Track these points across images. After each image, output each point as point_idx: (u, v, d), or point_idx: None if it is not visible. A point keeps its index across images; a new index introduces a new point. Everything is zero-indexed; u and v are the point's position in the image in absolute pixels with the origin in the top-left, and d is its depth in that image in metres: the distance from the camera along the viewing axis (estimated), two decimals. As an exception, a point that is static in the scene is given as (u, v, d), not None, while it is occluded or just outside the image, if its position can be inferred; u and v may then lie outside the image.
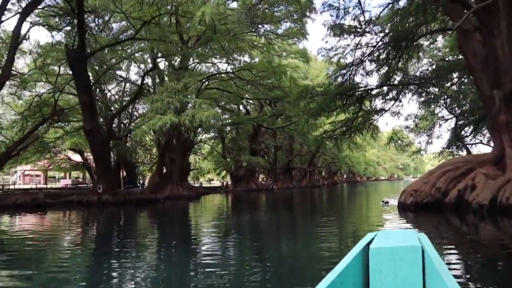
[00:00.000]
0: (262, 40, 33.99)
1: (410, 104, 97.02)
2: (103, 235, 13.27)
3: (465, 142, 29.81)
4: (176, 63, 27.67)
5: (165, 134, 27.90)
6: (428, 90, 26.58)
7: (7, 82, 33.77)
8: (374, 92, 25.95)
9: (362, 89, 24.54)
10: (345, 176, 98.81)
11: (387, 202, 18.08)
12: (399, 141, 44.89)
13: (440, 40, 31.33)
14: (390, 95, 27.27)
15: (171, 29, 19.70)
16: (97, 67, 29.13)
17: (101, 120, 31.92)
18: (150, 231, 14.20)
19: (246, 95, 38.43)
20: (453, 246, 8.84)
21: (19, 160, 38.56)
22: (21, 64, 35.44)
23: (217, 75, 34.26)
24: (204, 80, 31.08)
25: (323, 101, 24.04)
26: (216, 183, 66.69)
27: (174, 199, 31.61)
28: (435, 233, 10.78)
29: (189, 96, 21.66)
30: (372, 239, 1.97)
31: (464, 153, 38.08)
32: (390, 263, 1.72)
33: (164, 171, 34.83)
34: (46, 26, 27.71)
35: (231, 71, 31.04)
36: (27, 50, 31.84)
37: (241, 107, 48.43)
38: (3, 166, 31.51)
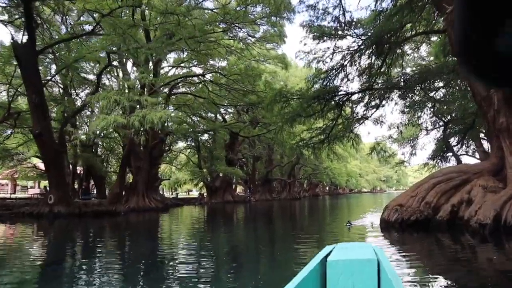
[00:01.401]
0: (240, 45, 32.14)
1: (393, 114, 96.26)
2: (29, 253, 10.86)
3: (455, 152, 27.95)
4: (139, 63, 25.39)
5: (126, 140, 25.46)
6: (413, 95, 24.65)
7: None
8: (355, 97, 23.99)
9: (342, 93, 22.51)
10: (327, 188, 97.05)
11: (350, 223, 15.12)
12: (382, 152, 43.16)
13: (424, 48, 29.83)
14: (373, 102, 25.34)
15: (128, 21, 17.37)
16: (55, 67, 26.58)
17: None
18: (92, 248, 11.90)
19: (221, 102, 36.13)
20: (453, 278, 6.61)
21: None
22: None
23: (188, 78, 31.94)
24: (172, 83, 28.84)
25: (299, 105, 21.92)
26: (195, 194, 64.13)
27: (139, 211, 29.16)
28: (426, 258, 8.61)
29: (140, 95, 19.20)
30: (330, 251, 1.96)
31: (450, 165, 36.45)
32: (347, 276, 1.74)
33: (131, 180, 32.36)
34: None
35: (202, 73, 28.79)
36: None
37: (218, 115, 46.33)
38: None
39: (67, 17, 23.89)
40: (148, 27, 21.57)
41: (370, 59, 22.36)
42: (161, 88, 33.40)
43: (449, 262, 8.37)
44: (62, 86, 34.87)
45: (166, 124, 18.38)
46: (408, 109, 27.96)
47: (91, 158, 32.10)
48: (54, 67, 29.10)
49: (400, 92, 23.61)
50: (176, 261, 9.37)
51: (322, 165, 60.01)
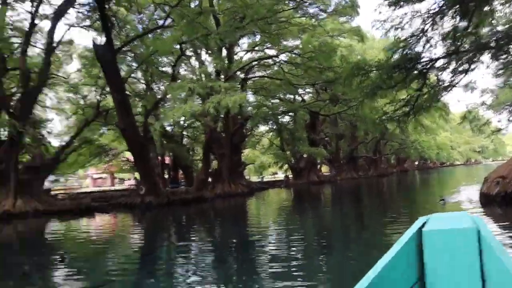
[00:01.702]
0: (312, 21, 31.17)
1: (485, 78, 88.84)
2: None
3: None
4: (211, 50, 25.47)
5: (207, 128, 25.91)
6: (507, 54, 22.10)
7: (57, 87, 33.69)
8: (440, 63, 22.05)
9: (425, 60, 20.81)
10: (416, 162, 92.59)
11: (443, 200, 13.41)
12: (475, 121, 39.93)
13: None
14: (460, 67, 23.19)
15: (195, 10, 17.33)
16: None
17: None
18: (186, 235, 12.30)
19: (298, 82, 35.39)
20: None
21: (75, 164, 38.76)
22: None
23: (262, 61, 31.61)
24: (247, 67, 28.71)
25: (379, 77, 20.61)
26: (281, 176, 64.38)
27: (225, 197, 29.70)
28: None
29: (214, 81, 19.16)
30: (425, 222, 1.86)
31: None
32: (445, 246, 1.66)
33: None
34: (83, 27, 26.58)
35: (275, 55, 28.25)
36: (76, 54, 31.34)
37: (297, 96, 45.71)
38: (52, 171, 31.10)
39: (141, 14, 24.56)
40: (216, 13, 21.49)
41: (454, 20, 20.39)
42: (237, 73, 33.57)
43: None
44: (144, 82, 36.46)
45: (243, 109, 18.24)
46: (503, 70, 25.26)
47: (176, 148, 33.17)
48: (135, 65, 30.39)
49: (491, 54, 21.27)
50: (267, 246, 9.30)
51: (409, 139, 57.07)
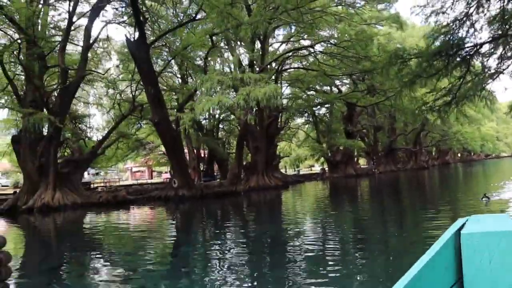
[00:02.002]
0: (349, 10, 30.30)
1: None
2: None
3: None
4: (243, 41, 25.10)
5: (240, 121, 25.63)
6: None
7: (96, 83, 34.41)
8: (485, 49, 20.85)
9: (469, 45, 19.71)
10: (459, 154, 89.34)
11: (487, 198, 12.56)
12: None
13: None
14: (508, 53, 21.82)
15: (226, 0, 16.96)
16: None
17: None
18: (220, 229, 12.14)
19: (333, 73, 34.55)
20: None
21: (114, 158, 39.57)
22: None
23: (297, 52, 30.98)
24: (281, 59, 28.17)
25: (418, 65, 19.70)
26: (317, 169, 63.63)
27: (259, 190, 29.48)
28: None
29: (244, 73, 18.74)
30: (463, 224, 1.86)
31: None
32: (484, 248, 1.64)
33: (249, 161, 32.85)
34: (120, 23, 26.79)
35: (310, 45, 27.57)
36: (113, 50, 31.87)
37: (333, 88, 44.79)
38: (90, 164, 31.80)
39: (176, 8, 24.46)
40: (247, 4, 21.04)
41: (502, 1, 19.14)
42: (272, 65, 33.13)
43: None
44: (180, 76, 36.63)
45: (276, 100, 17.76)
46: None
47: (210, 141, 33.15)
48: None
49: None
50: (300, 242, 8.99)
51: (451, 130, 54.90)
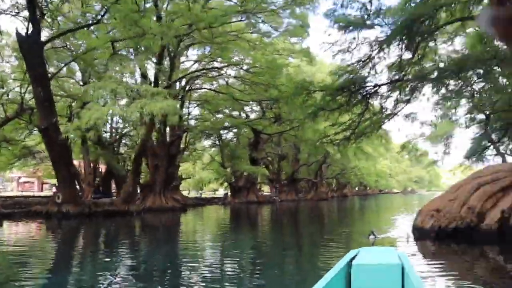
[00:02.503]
0: (264, 39, 30.58)
1: (425, 111, 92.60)
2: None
3: (499, 150, 25.44)
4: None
5: (140, 137, 24.24)
6: (448, 86, 22.25)
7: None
8: (383, 90, 21.93)
9: (369, 85, 20.53)
10: (356, 188, 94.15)
11: (374, 235, 12.22)
12: (413, 150, 40.90)
13: (459, 41, 27.33)
14: (403, 97, 23.19)
15: (132, 7, 15.88)
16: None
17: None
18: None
19: (242, 98, 34.47)
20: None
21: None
22: None
23: (208, 74, 30.45)
24: (188, 77, 27.41)
25: (322, 98, 20.08)
26: (221, 193, 62.91)
27: (155, 211, 27.92)
28: (468, 277, 6.77)
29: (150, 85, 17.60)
30: (355, 255, 1.99)
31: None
32: (372, 280, 1.78)
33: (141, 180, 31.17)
34: (15, 15, 24.19)
35: (220, 67, 27.21)
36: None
37: (243, 114, 44.82)
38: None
39: (82, 8, 22.62)
40: (158, 14, 19.99)
41: (400, 50, 20.33)
42: (182, 83, 32.22)
43: (499, 283, 6.48)
44: (82, 83, 34.06)
45: (172, 118, 16.74)
46: (442, 101, 25.58)
47: (108, 156, 31.02)
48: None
49: (433, 85, 21.37)
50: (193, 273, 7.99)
51: (349, 164, 57.54)
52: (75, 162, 44.07)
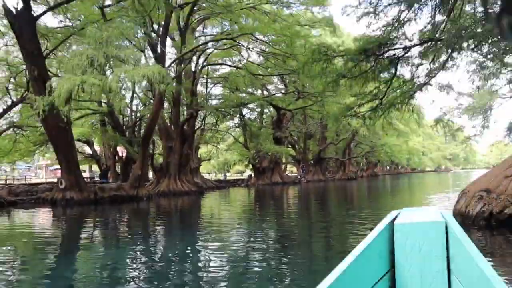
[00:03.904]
0: (284, 11, 28.17)
1: (461, 83, 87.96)
2: None
3: None
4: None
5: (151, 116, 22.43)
6: (491, 43, 19.25)
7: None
8: (414, 53, 19.27)
9: (397, 47, 17.91)
10: (387, 167, 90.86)
11: None
12: (448, 125, 37.77)
13: None
14: (436, 62, 20.38)
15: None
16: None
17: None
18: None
19: (260, 72, 32.14)
20: None
21: (11, 153, 34.91)
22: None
23: (217, 44, 28.20)
24: (201, 49, 25.32)
25: (344, 64, 17.64)
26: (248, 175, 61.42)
27: (168, 195, 26.32)
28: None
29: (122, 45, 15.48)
30: (396, 216, 1.99)
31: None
32: (415, 238, 1.77)
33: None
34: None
35: (232, 37, 24.86)
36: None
37: (265, 92, 42.61)
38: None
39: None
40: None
41: (433, 11, 17.62)
42: (194, 59, 30.27)
43: None
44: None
45: (160, 85, 14.48)
46: (482, 66, 22.61)
47: (120, 138, 29.42)
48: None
49: (473, 43, 18.50)
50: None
51: (379, 142, 54.57)
52: (96, 148, 43.38)
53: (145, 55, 26.12)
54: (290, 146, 52.59)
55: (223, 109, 32.03)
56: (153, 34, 24.00)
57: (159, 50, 22.71)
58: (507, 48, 17.64)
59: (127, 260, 7.41)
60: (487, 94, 34.07)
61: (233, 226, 12.22)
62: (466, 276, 1.55)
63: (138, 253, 8.17)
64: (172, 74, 25.26)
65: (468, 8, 18.69)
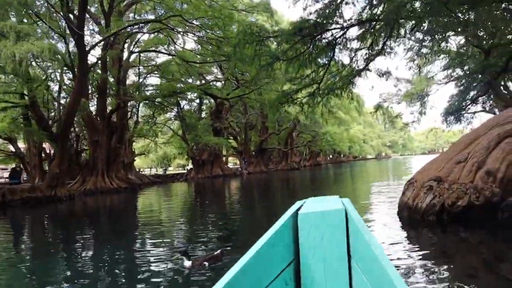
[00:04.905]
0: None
1: (399, 70, 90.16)
2: None
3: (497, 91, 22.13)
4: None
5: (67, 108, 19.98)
6: (430, 23, 18.52)
7: None
8: (352, 34, 18.29)
9: (334, 28, 16.75)
10: (330, 156, 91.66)
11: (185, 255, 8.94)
12: (387, 112, 37.90)
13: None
14: (375, 46, 19.47)
15: None
16: None
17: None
18: None
19: (194, 59, 30.17)
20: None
21: None
22: None
23: (145, 26, 26.03)
24: (124, 34, 23.11)
25: (278, 46, 16.26)
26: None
27: (97, 194, 24.03)
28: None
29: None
30: (301, 205, 2.07)
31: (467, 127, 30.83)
32: (317, 226, 1.83)
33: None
34: None
35: (159, 19, 22.83)
36: None
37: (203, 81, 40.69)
38: None
39: None
40: None
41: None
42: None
43: None
44: None
45: (44, 63, 12.38)
46: (420, 50, 22.04)
47: (39, 133, 26.49)
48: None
49: (412, 24, 17.70)
50: None
51: (321, 130, 54.27)
52: (21, 145, 39.75)
53: (65, 41, 23.52)
54: (231, 138, 51.14)
55: (155, 100, 29.81)
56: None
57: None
58: (447, 26, 16.96)
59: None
60: (424, 80, 34.21)
61: (164, 226, 10.51)
62: (364, 262, 1.60)
63: (52, 265, 6.33)
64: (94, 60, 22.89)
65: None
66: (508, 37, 19.37)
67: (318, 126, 53.26)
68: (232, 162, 70.16)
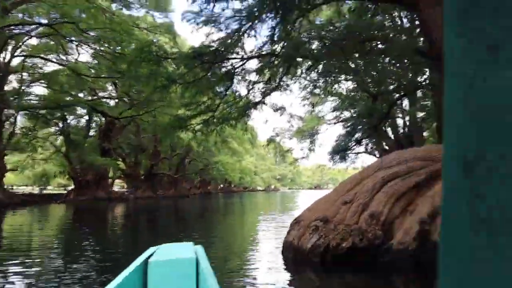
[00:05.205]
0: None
1: (293, 107, 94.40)
2: None
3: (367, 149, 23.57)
4: None
5: None
6: (325, 63, 19.34)
7: None
8: (252, 67, 18.52)
9: (235, 58, 16.75)
10: (221, 185, 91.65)
11: None
12: (279, 146, 39.08)
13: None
14: (272, 81, 19.90)
15: None
16: None
17: None
18: None
19: (87, 73, 28.31)
20: None
21: None
22: None
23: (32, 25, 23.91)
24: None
25: (176, 69, 15.78)
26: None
27: None
28: None
29: None
30: (153, 252, 2.00)
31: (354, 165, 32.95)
32: (167, 275, 1.78)
33: None
34: None
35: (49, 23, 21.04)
36: None
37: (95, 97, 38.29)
38: None
39: None
40: None
41: (273, 30, 16.99)
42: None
43: None
44: None
45: None
46: (319, 77, 22.85)
47: None
48: None
49: (309, 64, 18.40)
50: None
51: (213, 159, 54.10)
52: None
53: None
54: (120, 159, 48.65)
55: (39, 111, 27.21)
56: None
57: None
58: (340, 69, 17.87)
59: None
60: (315, 119, 35.85)
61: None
62: None
63: None
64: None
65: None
66: (390, 87, 21.08)
67: (211, 155, 53.06)
68: (120, 185, 66.80)
